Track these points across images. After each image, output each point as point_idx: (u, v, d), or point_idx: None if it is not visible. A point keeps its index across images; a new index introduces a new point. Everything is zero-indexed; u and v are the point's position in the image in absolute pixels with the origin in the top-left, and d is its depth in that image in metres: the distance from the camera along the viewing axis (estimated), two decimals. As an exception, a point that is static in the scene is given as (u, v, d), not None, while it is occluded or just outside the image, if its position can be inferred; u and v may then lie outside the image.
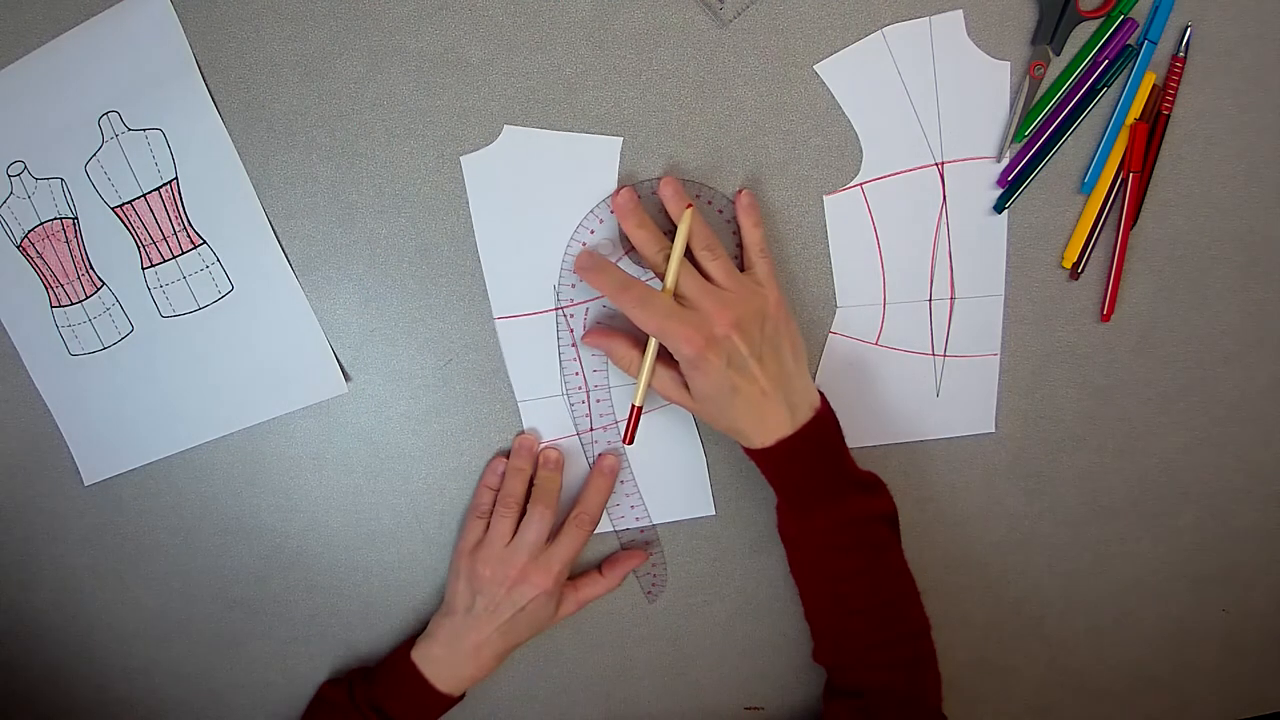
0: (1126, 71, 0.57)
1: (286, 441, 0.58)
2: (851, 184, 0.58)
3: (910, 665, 0.55)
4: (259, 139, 0.54)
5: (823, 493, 0.54)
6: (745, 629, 0.65)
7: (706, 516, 0.62)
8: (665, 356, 0.54)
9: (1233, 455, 0.66)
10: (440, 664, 0.57)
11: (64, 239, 0.55)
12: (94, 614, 0.61)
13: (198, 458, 0.58)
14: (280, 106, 0.54)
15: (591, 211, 0.56)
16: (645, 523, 0.62)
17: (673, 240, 0.52)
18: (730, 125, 0.56)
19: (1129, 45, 0.57)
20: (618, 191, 0.55)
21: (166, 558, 0.60)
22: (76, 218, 0.55)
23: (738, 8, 0.54)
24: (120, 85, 0.53)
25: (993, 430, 0.63)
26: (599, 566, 0.61)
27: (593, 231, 0.56)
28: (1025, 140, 0.58)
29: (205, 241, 0.55)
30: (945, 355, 0.61)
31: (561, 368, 0.58)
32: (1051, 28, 0.56)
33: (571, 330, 0.58)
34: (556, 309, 0.57)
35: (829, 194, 0.58)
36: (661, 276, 0.52)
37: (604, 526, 0.61)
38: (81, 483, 0.59)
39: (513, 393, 0.59)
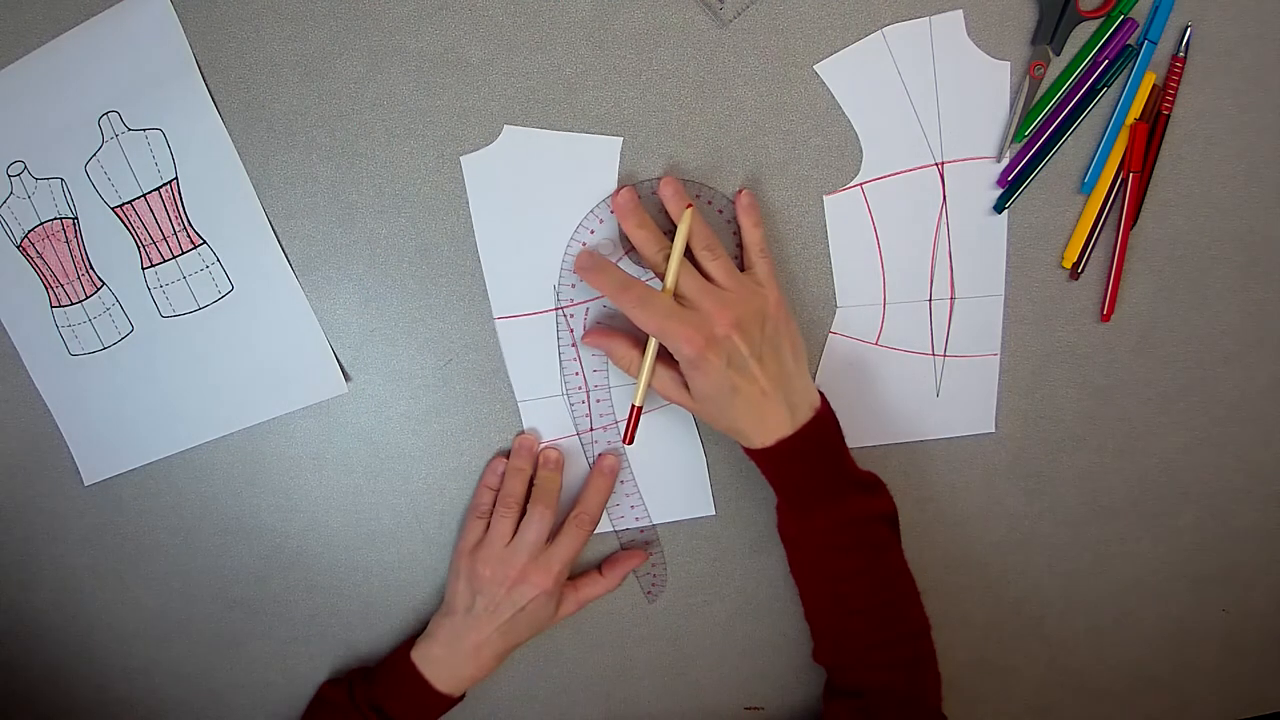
0: (1126, 71, 0.57)
1: (286, 441, 0.58)
2: (851, 184, 0.58)
3: (910, 665, 0.55)
4: (259, 139, 0.54)
5: (823, 493, 0.53)
6: (745, 629, 0.65)
7: (706, 516, 0.62)
8: (665, 356, 0.54)
9: (1233, 455, 0.66)
10: (440, 664, 0.57)
11: (64, 239, 0.55)
12: (94, 614, 0.61)
13: (198, 458, 0.58)
14: (280, 106, 0.54)
15: (591, 211, 0.56)
16: (645, 523, 0.62)
17: (673, 240, 0.52)
18: (730, 125, 0.56)
19: (1129, 45, 0.57)
20: (618, 191, 0.55)
21: (166, 558, 0.60)
22: (76, 218, 0.55)
23: (738, 8, 0.54)
24: (120, 85, 0.53)
25: (993, 430, 0.63)
26: (599, 567, 0.61)
27: (593, 231, 0.56)
28: (1025, 140, 0.58)
29: (205, 241, 0.55)
30: (945, 355, 0.61)
31: (561, 368, 0.58)
32: (1051, 28, 0.56)
33: (571, 330, 0.58)
34: (556, 309, 0.57)
35: (829, 194, 0.58)
36: (662, 276, 0.52)
37: (604, 526, 0.61)
38: (81, 483, 0.59)
39: (513, 393, 0.59)
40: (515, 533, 0.57)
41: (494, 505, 0.58)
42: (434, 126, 0.55)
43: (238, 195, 0.54)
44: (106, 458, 0.58)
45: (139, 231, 0.55)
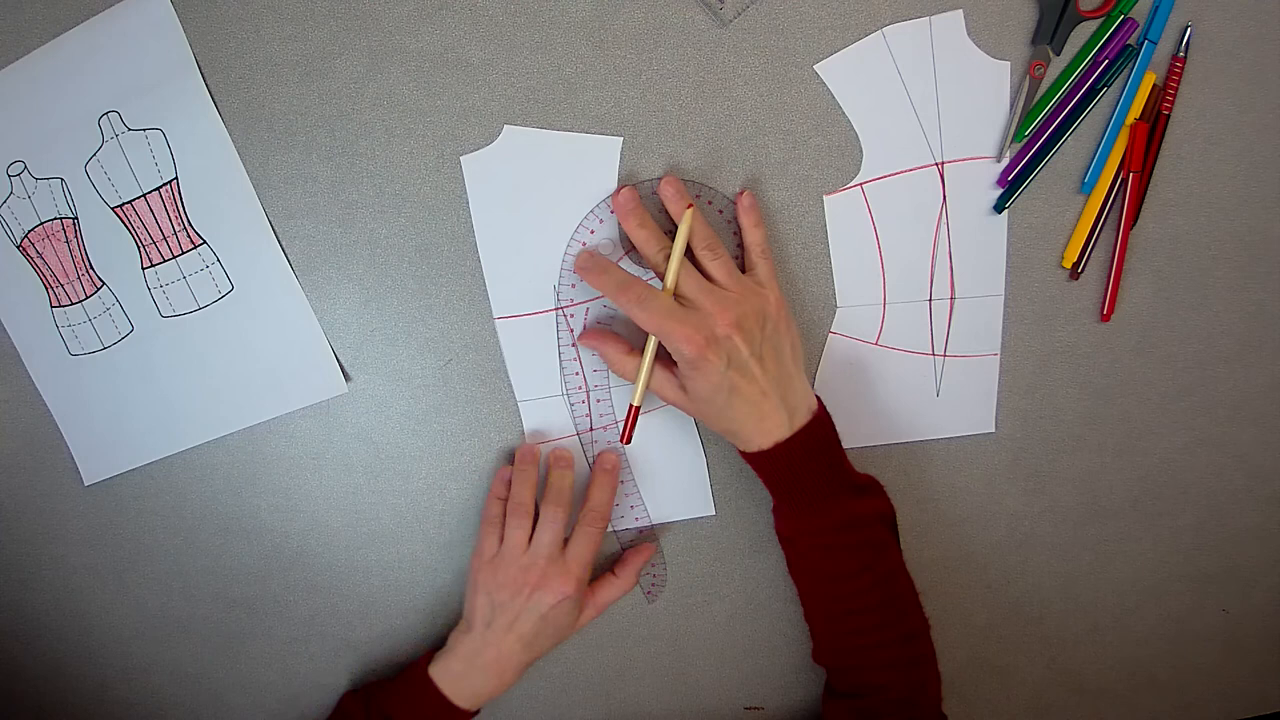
0: (1126, 71, 0.57)
1: (286, 441, 0.58)
2: (851, 184, 0.58)
3: (910, 665, 0.55)
4: (259, 139, 0.54)
5: (820, 495, 0.53)
6: (745, 629, 0.65)
7: (706, 516, 0.62)
8: (662, 358, 0.54)
9: (1233, 455, 0.66)
10: (458, 680, 0.56)
11: (64, 239, 0.55)
12: (94, 614, 0.61)
13: (198, 458, 0.58)
14: (280, 106, 0.54)
15: (592, 211, 0.56)
16: (645, 523, 0.62)
17: (673, 240, 0.52)
18: (730, 125, 0.56)
19: (1129, 45, 0.57)
20: (618, 191, 0.55)
21: (166, 558, 0.60)
22: (76, 218, 0.55)
23: (738, 8, 0.54)
24: (120, 85, 0.53)
25: (993, 430, 0.63)
26: (611, 569, 0.61)
27: (593, 231, 0.56)
28: (1025, 140, 0.58)
29: (205, 241, 0.55)
30: (945, 355, 0.61)
31: (561, 368, 0.58)
32: (1051, 28, 0.56)
33: (571, 330, 0.58)
34: (556, 309, 0.57)
35: (829, 194, 0.58)
36: (662, 276, 0.52)
37: (604, 526, 0.61)
38: (81, 483, 0.59)
39: (513, 393, 0.59)
40: (530, 539, 0.56)
41: (505, 514, 0.57)
42: (434, 126, 0.55)
43: (238, 195, 0.54)
44: (106, 458, 0.58)
45: (139, 231, 0.55)
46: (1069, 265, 0.60)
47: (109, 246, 0.55)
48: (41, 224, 0.55)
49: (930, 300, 0.60)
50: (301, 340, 0.57)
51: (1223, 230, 0.61)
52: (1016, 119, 0.57)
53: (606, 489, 0.58)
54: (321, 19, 0.53)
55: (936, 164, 0.58)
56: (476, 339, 0.58)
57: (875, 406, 0.62)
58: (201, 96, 0.53)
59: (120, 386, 0.57)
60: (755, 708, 0.66)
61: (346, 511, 0.60)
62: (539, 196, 0.56)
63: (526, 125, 0.55)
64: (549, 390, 0.59)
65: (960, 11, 0.56)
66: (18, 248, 0.55)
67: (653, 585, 0.63)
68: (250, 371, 0.57)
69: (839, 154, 0.57)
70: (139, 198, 0.54)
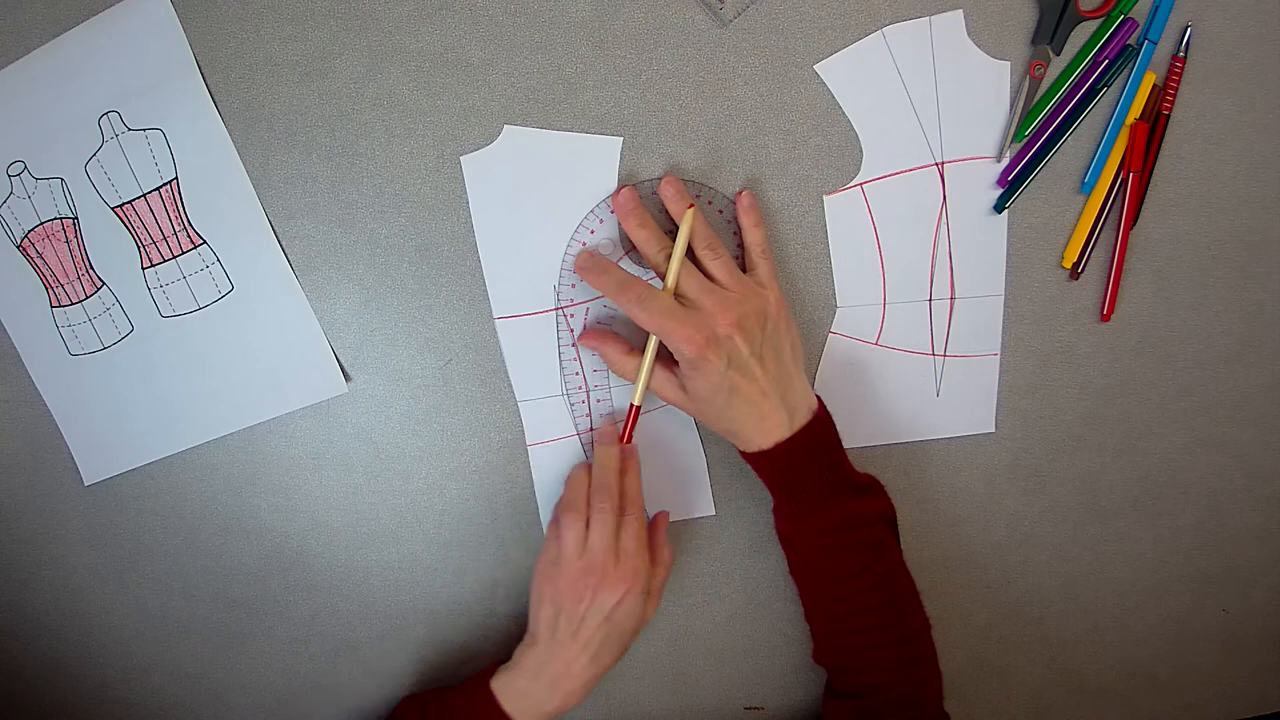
0: (1126, 71, 0.57)
1: (286, 441, 0.58)
2: (851, 184, 0.58)
3: (910, 665, 0.55)
4: (259, 139, 0.54)
5: (820, 495, 0.53)
6: (745, 629, 0.65)
7: (706, 516, 0.62)
8: (662, 357, 0.54)
9: (1233, 455, 0.66)
10: (522, 696, 0.54)
11: (64, 239, 0.55)
12: (94, 614, 0.61)
13: (198, 458, 0.58)
14: (280, 106, 0.54)
15: (592, 211, 0.56)
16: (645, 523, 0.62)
17: (673, 240, 0.52)
18: (730, 125, 0.56)
19: (1129, 45, 0.57)
20: (618, 191, 0.55)
21: (166, 558, 0.60)
22: (76, 218, 0.55)
23: (738, 8, 0.54)
24: (120, 85, 0.53)
25: (993, 430, 0.63)
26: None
27: (593, 231, 0.56)
28: (1025, 140, 0.58)
29: (205, 241, 0.55)
30: (945, 355, 0.61)
31: (561, 368, 0.58)
32: (1051, 28, 0.56)
33: (571, 330, 0.58)
34: (556, 309, 0.57)
35: (829, 194, 0.58)
36: (663, 276, 0.52)
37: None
38: (81, 483, 0.59)
39: (513, 393, 0.59)
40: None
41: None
42: (434, 126, 0.55)
43: (238, 195, 0.54)
44: (106, 458, 0.58)
45: (139, 231, 0.55)
46: (1069, 265, 0.60)
47: (109, 246, 0.55)
48: (41, 224, 0.55)
49: (930, 300, 0.60)
50: (301, 340, 0.57)
51: (1223, 230, 0.61)
52: (1016, 119, 0.57)
53: (632, 473, 0.56)
54: (321, 19, 0.53)
55: (936, 164, 0.58)
56: (476, 339, 0.58)
57: (875, 406, 0.62)
58: (201, 96, 0.53)
59: (120, 386, 0.57)
60: (755, 708, 0.66)
61: (346, 511, 0.60)
62: (539, 196, 0.56)
63: (526, 125, 0.55)
64: (549, 390, 0.59)
65: (960, 11, 0.56)
66: (18, 248, 0.55)
67: None
68: (250, 371, 0.57)
69: (839, 154, 0.57)
70: (139, 198, 0.54)
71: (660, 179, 0.55)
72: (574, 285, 0.57)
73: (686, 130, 0.56)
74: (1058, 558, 0.66)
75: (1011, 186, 0.58)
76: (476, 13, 0.53)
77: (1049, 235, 0.60)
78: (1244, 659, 0.71)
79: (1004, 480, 0.64)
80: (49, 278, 0.56)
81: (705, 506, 0.62)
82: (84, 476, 0.59)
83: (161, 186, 0.54)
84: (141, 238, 0.55)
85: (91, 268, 0.55)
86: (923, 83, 0.56)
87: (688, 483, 0.61)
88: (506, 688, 0.55)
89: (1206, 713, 0.72)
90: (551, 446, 0.60)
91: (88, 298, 0.56)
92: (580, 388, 0.59)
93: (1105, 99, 0.58)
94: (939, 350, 0.61)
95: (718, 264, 0.52)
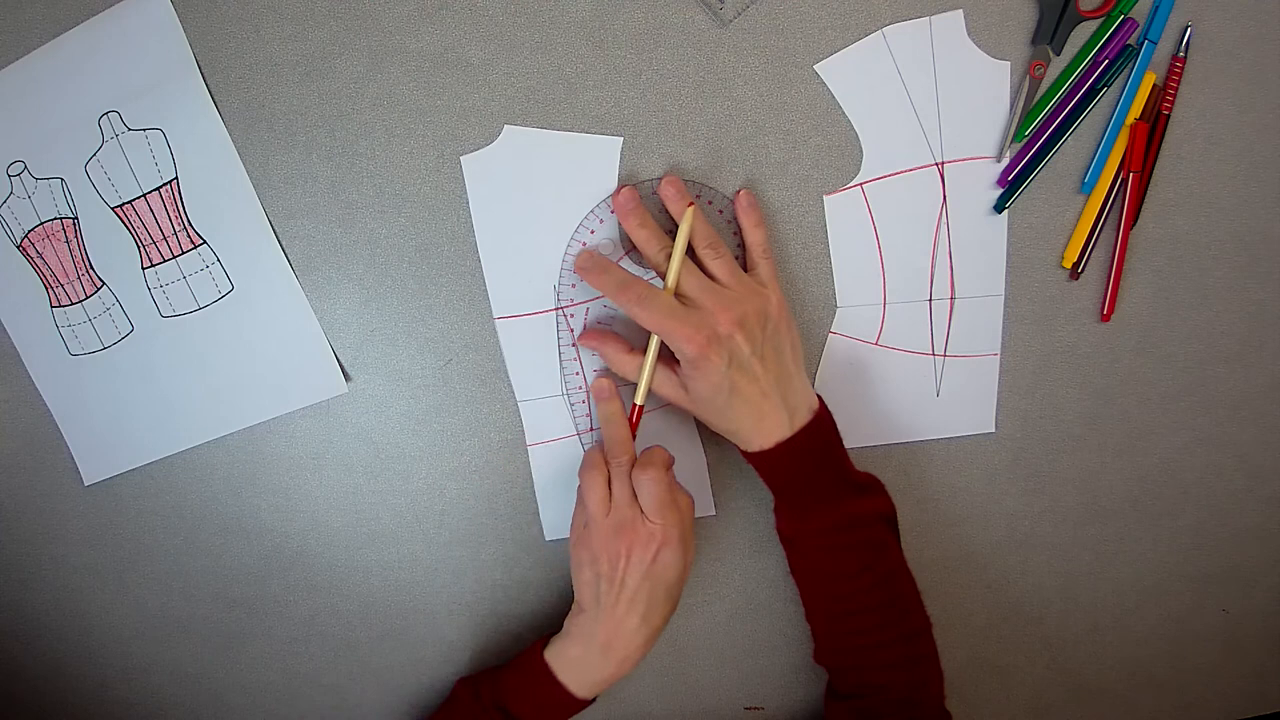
0: (1126, 71, 0.57)
1: (286, 441, 0.58)
2: (851, 184, 0.58)
3: (911, 664, 0.55)
4: (259, 139, 0.54)
5: (820, 494, 0.53)
6: (745, 629, 0.65)
7: (707, 516, 0.62)
8: (664, 357, 0.54)
9: (1233, 455, 0.66)
10: (576, 665, 0.54)
11: (64, 239, 0.55)
12: (94, 614, 0.61)
13: (198, 458, 0.58)
14: (280, 106, 0.54)
15: (592, 211, 0.56)
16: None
17: (674, 240, 0.52)
18: (730, 125, 0.56)
19: (1129, 45, 0.57)
20: (618, 191, 0.55)
21: (166, 558, 0.60)
22: (76, 218, 0.55)
23: (738, 8, 0.54)
24: (120, 85, 0.53)
25: (993, 430, 0.63)
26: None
27: (593, 231, 0.56)
28: (1025, 140, 0.58)
29: (205, 241, 0.55)
30: (945, 355, 0.61)
31: (561, 368, 0.58)
32: (1051, 28, 0.56)
33: (572, 330, 0.58)
34: (556, 309, 0.57)
35: (829, 194, 0.58)
36: (663, 276, 0.52)
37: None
38: (81, 483, 0.59)
39: (513, 393, 0.59)
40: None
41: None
42: (434, 126, 0.55)
43: (238, 195, 0.54)
44: (106, 458, 0.58)
45: (139, 231, 0.55)
46: (1069, 265, 0.60)
47: (109, 246, 0.55)
48: (41, 224, 0.55)
49: (930, 300, 0.60)
50: (301, 340, 0.57)
51: (1223, 230, 0.61)
52: (1016, 119, 0.57)
53: (657, 450, 0.54)
54: (321, 19, 0.53)
55: (936, 164, 0.58)
56: (476, 339, 0.58)
57: (875, 406, 0.62)
58: (201, 96, 0.53)
59: (120, 386, 0.57)
60: (755, 708, 0.66)
61: (346, 511, 0.60)
62: (539, 196, 0.56)
63: (526, 125, 0.55)
64: (549, 390, 0.59)
65: (960, 11, 0.56)
66: (18, 248, 0.55)
67: None
68: (250, 371, 0.57)
69: (839, 154, 0.57)
70: (139, 198, 0.54)
71: (660, 179, 0.55)
72: (574, 285, 0.57)
73: (686, 130, 0.56)
74: (1058, 558, 0.66)
75: (1011, 186, 0.58)
76: (476, 13, 0.53)
77: (1049, 235, 0.60)
78: (1244, 659, 0.71)
79: (1004, 480, 0.64)
80: (49, 278, 0.56)
81: (705, 506, 0.62)
82: (84, 476, 0.59)
83: (161, 186, 0.54)
84: (141, 238, 0.55)
85: (91, 268, 0.55)
86: (923, 83, 0.56)
87: (688, 483, 0.61)
88: (559, 657, 0.55)
89: (1206, 713, 0.72)
90: (551, 446, 0.60)
91: (88, 298, 0.56)
92: (580, 388, 0.59)
93: (1105, 99, 0.58)
94: (939, 350, 0.61)
95: (719, 263, 0.52)
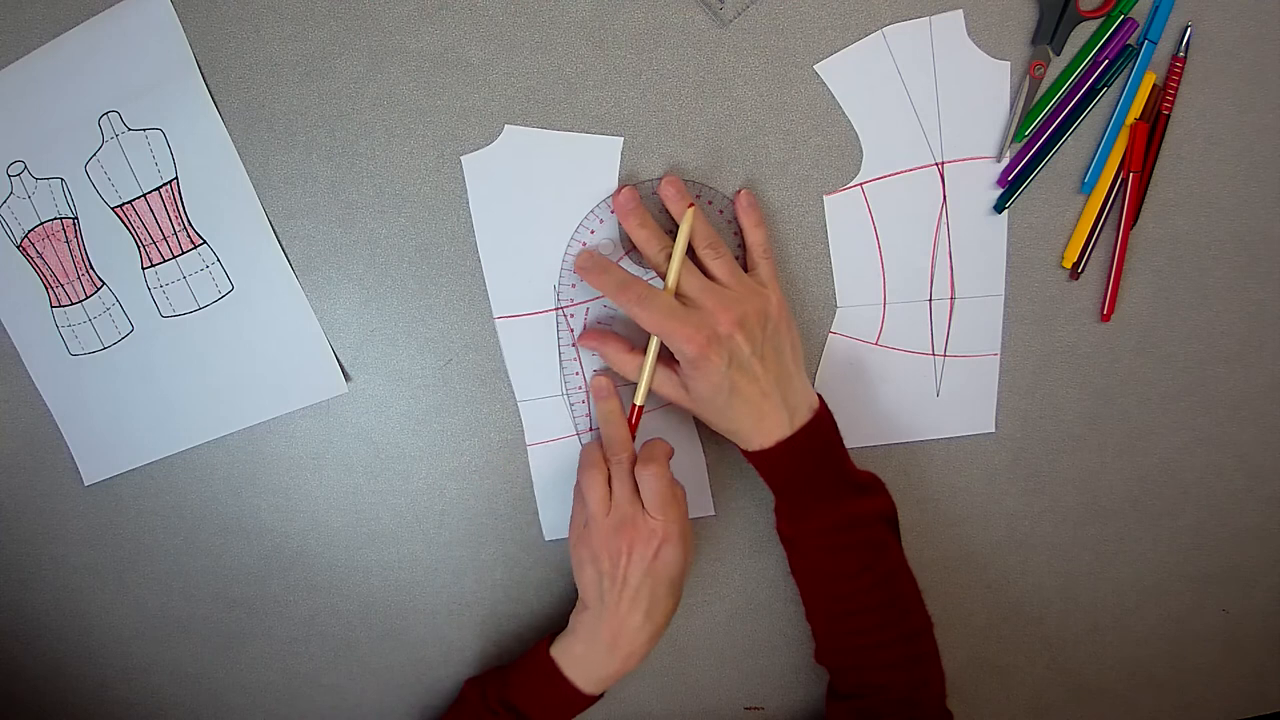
0: (1126, 71, 0.57)
1: (286, 441, 0.58)
2: (851, 184, 0.58)
3: (912, 664, 0.55)
4: (259, 139, 0.54)
5: (821, 494, 0.53)
6: (745, 629, 0.65)
7: (706, 516, 0.62)
8: (664, 356, 0.54)
9: (1233, 455, 0.66)
10: (582, 661, 0.55)
11: (64, 239, 0.55)
12: (94, 614, 0.61)
13: (198, 458, 0.58)
14: (280, 106, 0.54)
15: (592, 211, 0.56)
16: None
17: (674, 240, 0.52)
18: (730, 125, 0.56)
19: (1129, 45, 0.57)
20: (618, 191, 0.55)
21: (166, 558, 0.60)
22: (76, 218, 0.55)
23: (738, 8, 0.54)
24: (120, 85, 0.53)
25: (993, 430, 0.63)
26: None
27: (593, 231, 0.56)
28: (1025, 140, 0.58)
29: (205, 241, 0.55)
30: (945, 355, 0.61)
31: (561, 368, 0.58)
32: (1051, 28, 0.56)
33: (571, 330, 0.58)
34: (556, 309, 0.57)
35: (829, 194, 0.58)
36: (663, 276, 0.52)
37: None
38: (81, 483, 0.59)
39: (513, 393, 0.59)
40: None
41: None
42: (434, 126, 0.55)
43: (238, 195, 0.54)
44: (106, 458, 0.58)
45: (139, 231, 0.55)
46: (1069, 265, 0.60)
47: (109, 246, 0.55)
48: (41, 224, 0.55)
49: (930, 300, 0.60)
50: (301, 340, 0.57)
51: (1223, 230, 0.61)
52: (1016, 119, 0.57)
53: (659, 443, 0.55)
54: (321, 19, 0.53)
55: (936, 164, 0.58)
56: (476, 339, 0.58)
57: (875, 406, 0.62)
58: (201, 96, 0.53)
59: (120, 386, 0.57)
60: (755, 708, 0.66)
61: (346, 511, 0.60)
62: (539, 196, 0.56)
63: (527, 125, 0.55)
64: (549, 390, 0.59)
65: (960, 11, 0.56)
66: (18, 248, 0.55)
67: None
68: (250, 371, 0.57)
69: (839, 154, 0.57)
70: (139, 198, 0.54)
71: (660, 179, 0.55)
72: (574, 285, 0.57)
73: (686, 130, 0.56)
74: (1058, 558, 0.66)
75: (1011, 186, 0.58)
76: (476, 13, 0.53)
77: (1049, 235, 0.60)
78: (1244, 659, 0.71)
79: (1004, 480, 0.64)
80: (49, 278, 0.56)
81: (705, 507, 0.62)
82: (84, 476, 0.59)
83: (161, 186, 0.54)
84: (141, 238, 0.55)
85: (91, 268, 0.55)
86: (923, 83, 0.56)
87: (687, 483, 0.61)
88: (566, 654, 0.55)
89: (1206, 713, 0.72)
90: (551, 446, 0.60)
91: (88, 298, 0.56)
92: (580, 388, 0.59)
93: (1105, 99, 0.58)
94: (939, 350, 0.61)
95: (719, 263, 0.52)
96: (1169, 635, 0.69)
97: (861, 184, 0.58)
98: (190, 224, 0.55)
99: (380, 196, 0.55)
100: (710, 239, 0.52)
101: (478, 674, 0.60)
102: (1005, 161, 0.58)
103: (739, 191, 0.56)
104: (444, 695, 0.63)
